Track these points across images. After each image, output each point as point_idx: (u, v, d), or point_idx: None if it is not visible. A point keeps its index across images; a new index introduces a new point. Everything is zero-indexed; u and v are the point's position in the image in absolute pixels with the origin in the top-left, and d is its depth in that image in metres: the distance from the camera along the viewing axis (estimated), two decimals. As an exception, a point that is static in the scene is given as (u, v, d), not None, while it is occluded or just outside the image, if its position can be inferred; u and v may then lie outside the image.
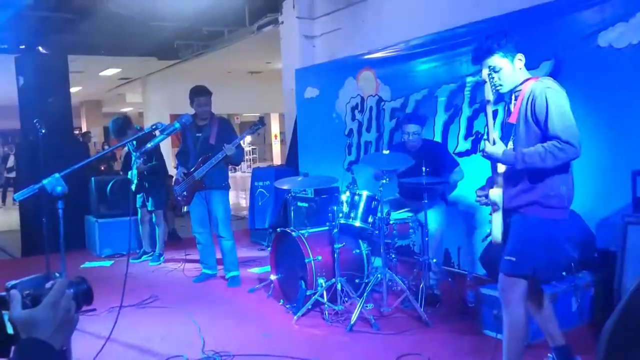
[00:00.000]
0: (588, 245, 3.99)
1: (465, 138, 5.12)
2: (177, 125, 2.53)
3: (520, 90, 2.86)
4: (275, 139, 25.33)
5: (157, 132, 2.60)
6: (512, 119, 2.83)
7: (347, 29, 7.43)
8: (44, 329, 1.06)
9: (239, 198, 14.87)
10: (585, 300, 3.86)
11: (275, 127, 25.06)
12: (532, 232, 2.78)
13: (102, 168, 11.62)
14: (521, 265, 2.78)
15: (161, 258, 6.65)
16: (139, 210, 6.74)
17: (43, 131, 5.07)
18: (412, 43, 5.57)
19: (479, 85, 4.56)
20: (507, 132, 2.87)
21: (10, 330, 1.10)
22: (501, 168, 2.86)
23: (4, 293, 1.10)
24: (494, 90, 2.87)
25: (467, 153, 5.09)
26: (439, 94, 5.31)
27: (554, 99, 2.69)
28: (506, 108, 3.04)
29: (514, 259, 2.78)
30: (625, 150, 3.87)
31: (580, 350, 3.13)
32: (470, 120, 5.06)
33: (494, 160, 2.86)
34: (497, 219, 2.85)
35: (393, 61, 5.84)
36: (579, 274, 3.90)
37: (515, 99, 2.87)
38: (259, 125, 5.45)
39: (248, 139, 26.54)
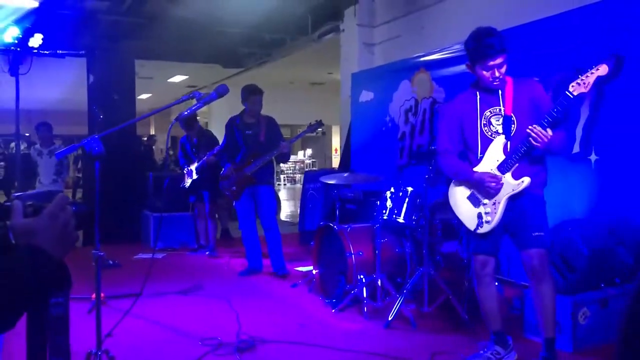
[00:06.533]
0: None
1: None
2: (214, 95, 2.60)
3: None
4: (336, 152, 25.38)
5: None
6: (508, 111, 2.99)
7: (406, 36, 7.39)
8: (44, 237, 1.07)
9: (297, 207, 14.95)
10: (640, 311, 3.60)
11: (335, 141, 25.12)
12: (544, 209, 3.06)
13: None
14: (548, 239, 3.05)
15: (214, 251, 6.77)
16: (194, 206, 6.93)
17: (101, 117, 5.33)
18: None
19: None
20: (505, 125, 3.01)
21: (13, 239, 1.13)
22: (499, 156, 3.02)
23: (7, 202, 1.13)
24: (495, 83, 3.00)
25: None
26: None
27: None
28: (479, 97, 3.09)
29: (543, 234, 2.99)
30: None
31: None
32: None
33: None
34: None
35: (449, 63, 5.74)
36: (633, 282, 3.65)
37: (502, 91, 3.03)
38: (317, 125, 5.59)
39: (309, 151, 26.66)
